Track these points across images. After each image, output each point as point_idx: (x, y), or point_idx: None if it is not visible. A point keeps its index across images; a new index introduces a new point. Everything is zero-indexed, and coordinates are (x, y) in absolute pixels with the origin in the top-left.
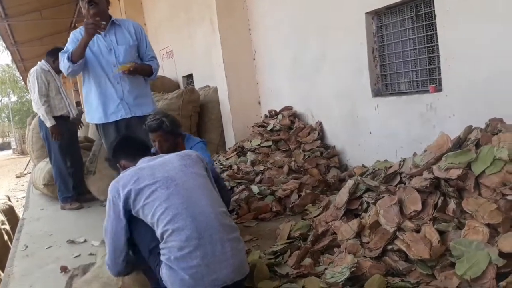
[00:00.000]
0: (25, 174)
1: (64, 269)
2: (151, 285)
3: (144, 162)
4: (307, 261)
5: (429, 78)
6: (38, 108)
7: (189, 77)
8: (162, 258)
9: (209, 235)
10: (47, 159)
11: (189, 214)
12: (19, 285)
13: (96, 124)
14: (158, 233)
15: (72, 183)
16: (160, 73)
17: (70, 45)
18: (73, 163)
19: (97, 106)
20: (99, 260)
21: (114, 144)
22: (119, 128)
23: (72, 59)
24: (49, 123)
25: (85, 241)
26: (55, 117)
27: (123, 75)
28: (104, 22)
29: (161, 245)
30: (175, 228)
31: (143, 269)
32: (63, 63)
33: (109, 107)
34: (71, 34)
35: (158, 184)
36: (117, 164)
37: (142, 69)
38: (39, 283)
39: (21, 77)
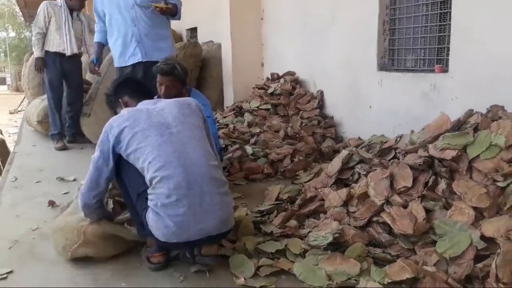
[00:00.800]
0: (19, 111)
1: (52, 203)
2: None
3: (144, 105)
4: (292, 222)
5: (436, 58)
6: (32, 37)
7: (193, 31)
8: (150, 203)
9: (199, 186)
10: (42, 97)
11: (180, 163)
12: (6, 213)
13: (116, 68)
14: (147, 178)
15: (60, 121)
16: None
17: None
18: (69, 103)
19: (117, 50)
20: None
21: (120, 80)
22: (136, 71)
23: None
24: (35, 54)
25: (74, 179)
26: (48, 52)
27: (142, 17)
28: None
29: (149, 191)
30: (164, 175)
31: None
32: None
33: (129, 50)
34: None
35: (153, 130)
36: (119, 100)
37: (171, 8)
38: (26, 213)
39: (20, 13)
